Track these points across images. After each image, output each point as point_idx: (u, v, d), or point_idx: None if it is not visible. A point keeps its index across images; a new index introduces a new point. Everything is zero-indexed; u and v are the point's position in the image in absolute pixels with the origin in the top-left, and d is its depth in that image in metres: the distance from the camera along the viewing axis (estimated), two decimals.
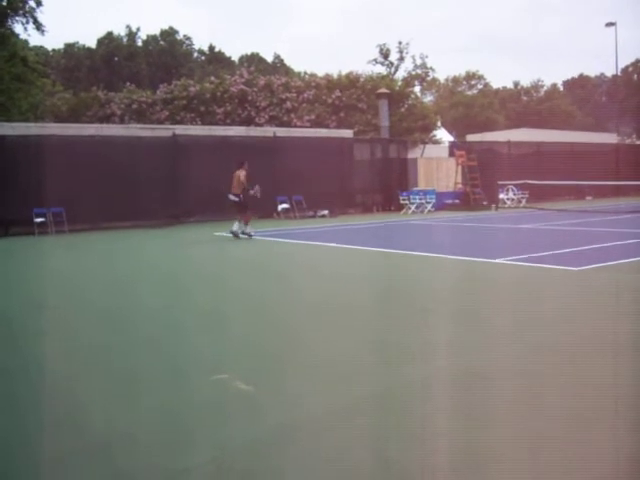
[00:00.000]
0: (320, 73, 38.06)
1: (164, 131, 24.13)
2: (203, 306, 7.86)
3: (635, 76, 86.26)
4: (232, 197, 16.95)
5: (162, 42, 66.72)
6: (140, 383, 4.89)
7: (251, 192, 16.67)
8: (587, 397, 4.17)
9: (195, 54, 70.95)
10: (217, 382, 4.69)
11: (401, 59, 42.89)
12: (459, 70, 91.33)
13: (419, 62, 42.75)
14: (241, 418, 4.06)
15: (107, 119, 33.27)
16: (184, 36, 69.64)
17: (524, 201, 29.24)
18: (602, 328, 5.99)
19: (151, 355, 5.70)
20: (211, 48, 69.92)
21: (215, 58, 67.62)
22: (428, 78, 47.04)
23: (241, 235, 16.53)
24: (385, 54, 42.87)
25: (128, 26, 65.23)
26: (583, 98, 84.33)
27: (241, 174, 16.75)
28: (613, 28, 53.93)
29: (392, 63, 43.10)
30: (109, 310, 7.82)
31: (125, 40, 64.63)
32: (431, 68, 43.97)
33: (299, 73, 48.39)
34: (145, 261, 13.52)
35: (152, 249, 15.91)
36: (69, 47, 64.01)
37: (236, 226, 16.66)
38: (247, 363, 5.26)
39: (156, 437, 3.86)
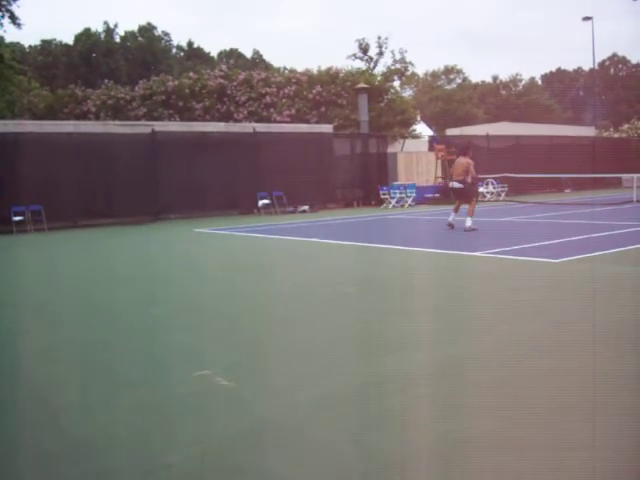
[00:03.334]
0: (300, 69, 38.00)
1: (143, 128, 24.00)
2: (185, 302, 7.83)
3: (612, 70, 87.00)
4: (455, 184, 15.69)
5: (140, 38, 66.20)
6: (121, 380, 4.87)
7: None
8: (568, 388, 4.21)
9: (174, 50, 70.56)
10: (199, 378, 4.68)
11: (380, 54, 42.94)
12: (438, 64, 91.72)
13: (398, 57, 42.83)
14: (223, 414, 4.05)
15: (83, 116, 33.02)
16: (162, 32, 69.14)
17: (503, 194, 29.42)
18: (583, 318, 6.04)
19: (133, 352, 5.68)
20: (190, 44, 69.61)
21: (194, 54, 67.35)
22: (407, 73, 47.09)
23: (468, 227, 14.98)
24: (364, 49, 42.89)
25: (106, 22, 64.71)
26: (561, 92, 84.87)
27: (470, 163, 15.39)
28: (590, 22, 54.34)
29: (371, 58, 43.14)
30: (90, 307, 7.78)
31: (103, 36, 64.09)
32: (410, 63, 44.05)
33: (279, 69, 48.28)
34: (124, 258, 13.45)
35: (131, 246, 15.82)
36: (46, 44, 63.37)
37: (469, 221, 15.13)
38: (229, 358, 5.26)
39: (138, 434, 3.85)
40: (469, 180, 15.49)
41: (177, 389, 4.56)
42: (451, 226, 15.56)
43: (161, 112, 33.01)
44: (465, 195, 15.67)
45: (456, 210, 15.93)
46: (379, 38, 42.64)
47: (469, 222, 15.17)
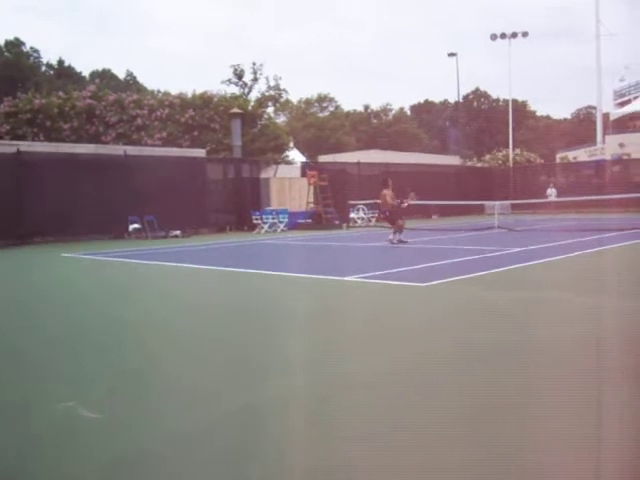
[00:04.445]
0: (174, 91, 37.65)
1: (7, 147, 23.09)
2: (49, 332, 7.53)
3: (475, 103, 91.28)
4: (383, 213, 19.32)
5: (7, 53, 63.71)
6: None
7: (403, 205, 19.22)
8: (434, 409, 4.38)
9: (43, 68, 68.23)
10: (62, 410, 4.52)
11: (255, 80, 43.10)
12: (311, 92, 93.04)
13: (272, 83, 43.16)
14: (85, 447, 3.92)
15: None
16: (31, 48, 66.85)
17: (374, 220, 30.11)
18: (446, 340, 6.29)
19: None
20: (60, 62, 67.53)
21: (64, 73, 65.32)
22: (281, 99, 47.52)
23: (396, 242, 17.96)
24: (239, 75, 42.95)
25: None
26: (429, 122, 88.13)
27: (387, 194, 18.58)
28: (455, 58, 57.03)
29: (246, 84, 43.24)
30: None
31: None
32: (284, 90, 44.46)
33: (152, 91, 47.60)
34: None
35: None
36: None
37: (391, 236, 18.26)
38: (97, 389, 5.12)
39: None
40: (393, 207, 18.56)
41: (38, 423, 4.38)
42: (403, 242, 18.10)
43: (25, 130, 31.82)
44: (392, 219, 18.70)
45: (399, 231, 18.45)
46: (254, 64, 42.87)
47: (392, 236, 18.22)
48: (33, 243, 22.11)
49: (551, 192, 36.91)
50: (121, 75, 68.88)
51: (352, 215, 30.65)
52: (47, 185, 22.32)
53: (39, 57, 67.90)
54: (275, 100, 44.87)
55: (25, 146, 24.02)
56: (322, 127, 74.72)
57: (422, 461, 3.53)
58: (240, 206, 29.04)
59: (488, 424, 4.05)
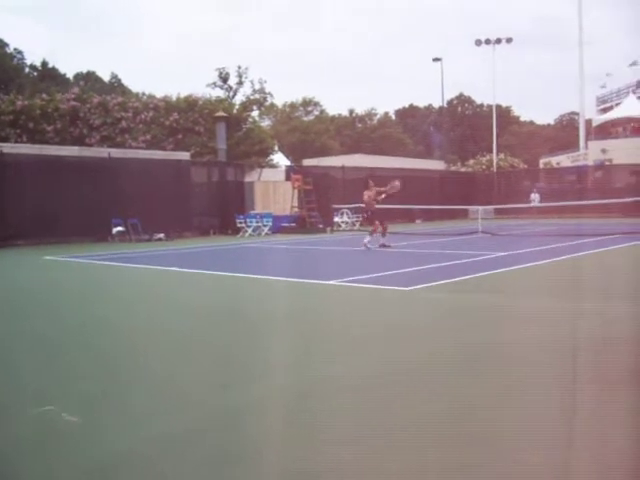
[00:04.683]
0: (159, 94, 37.57)
1: None
2: (25, 335, 7.48)
3: (459, 108, 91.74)
4: (365, 213, 19.92)
5: None
6: None
7: (381, 197, 18.62)
8: (430, 415, 4.40)
9: (27, 69, 67.78)
10: (42, 415, 4.48)
11: (240, 83, 43.08)
12: (296, 96, 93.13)
13: (258, 87, 43.14)
14: (66, 452, 3.88)
15: None
16: (15, 49, 66.45)
17: (358, 224, 30.15)
18: (428, 344, 6.32)
19: None
20: (44, 64, 67.10)
21: (48, 75, 64.88)
22: (266, 103, 47.53)
23: (370, 246, 17.76)
24: (224, 78, 42.90)
25: None
26: (413, 127, 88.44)
27: (365, 195, 18.84)
28: (439, 63, 57.30)
29: (231, 87, 43.21)
30: None
31: None
32: (269, 93, 44.46)
33: (137, 94, 47.44)
34: None
35: None
36: None
37: (367, 238, 18.11)
38: (76, 392, 5.09)
39: None
40: (372, 207, 18.71)
41: (17, 428, 4.34)
42: (387, 246, 18.10)
43: (8, 132, 31.63)
44: (369, 219, 19.17)
45: (376, 233, 18.45)
46: (239, 68, 42.83)
47: (367, 239, 17.99)
48: (16, 245, 21.99)
49: (535, 197, 37.23)
50: (106, 77, 68.61)
51: (336, 219, 30.71)
52: (30, 187, 22.23)
53: (23, 58, 67.52)
54: (260, 104, 44.85)
55: (8, 148, 23.90)
56: (307, 131, 74.86)
57: (413, 463, 3.56)
58: (224, 209, 29.01)
59: (479, 425, 4.10)
